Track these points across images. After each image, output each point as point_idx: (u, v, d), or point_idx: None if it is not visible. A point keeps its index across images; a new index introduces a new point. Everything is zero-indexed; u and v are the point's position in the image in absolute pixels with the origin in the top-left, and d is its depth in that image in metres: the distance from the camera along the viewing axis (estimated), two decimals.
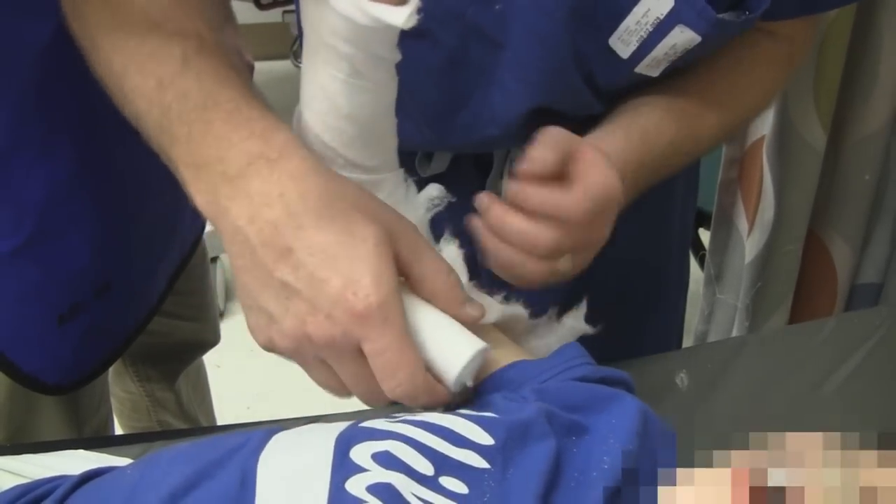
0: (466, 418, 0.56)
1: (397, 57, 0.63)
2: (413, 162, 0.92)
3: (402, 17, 0.57)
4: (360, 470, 0.50)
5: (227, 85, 0.62)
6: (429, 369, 0.60)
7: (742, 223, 1.64)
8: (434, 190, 0.71)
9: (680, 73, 0.83)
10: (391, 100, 0.65)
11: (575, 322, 0.74)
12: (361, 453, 0.52)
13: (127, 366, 1.36)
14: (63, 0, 0.69)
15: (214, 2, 0.70)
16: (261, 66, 1.44)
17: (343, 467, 0.51)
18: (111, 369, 1.35)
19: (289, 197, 0.57)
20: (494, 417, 0.57)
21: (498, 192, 0.97)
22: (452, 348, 0.61)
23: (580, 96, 0.83)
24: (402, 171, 0.70)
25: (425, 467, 0.52)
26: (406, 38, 0.62)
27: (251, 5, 3.10)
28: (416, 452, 0.52)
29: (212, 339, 1.40)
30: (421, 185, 0.72)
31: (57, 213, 0.88)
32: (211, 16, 0.67)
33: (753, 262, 1.63)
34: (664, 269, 1.13)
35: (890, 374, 0.95)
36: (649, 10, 0.73)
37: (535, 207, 0.65)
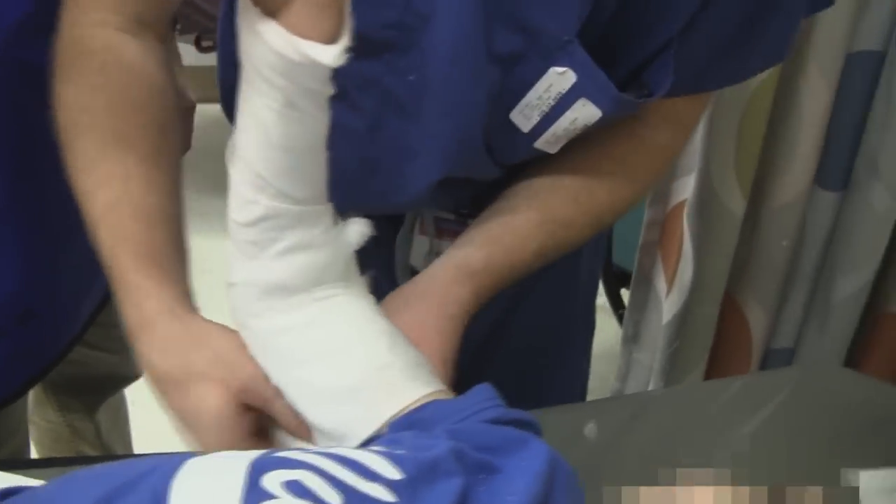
0: (377, 454, 0.58)
1: (330, 90, 0.64)
2: None
3: (331, 56, 0.60)
4: (270, 497, 0.52)
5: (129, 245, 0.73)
6: None
7: (661, 284, 1.67)
8: (361, 225, 0.72)
9: (569, 150, 0.84)
10: (323, 132, 0.67)
11: None
12: (273, 481, 0.53)
13: (49, 395, 1.35)
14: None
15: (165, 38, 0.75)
16: (199, 109, 1.45)
17: (254, 493, 0.52)
18: (33, 399, 1.35)
19: (155, 365, 0.71)
20: (404, 454, 0.58)
21: (408, 247, 0.99)
22: None
23: (482, 165, 0.86)
24: (331, 205, 0.71)
25: (332, 497, 0.53)
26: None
27: (191, 48, 3.09)
28: (325, 483, 0.54)
29: (132, 374, 1.39)
30: None
31: None
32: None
33: (671, 323, 1.66)
34: (571, 327, 1.14)
35: (794, 432, 0.97)
36: (552, 85, 0.76)
37: None
